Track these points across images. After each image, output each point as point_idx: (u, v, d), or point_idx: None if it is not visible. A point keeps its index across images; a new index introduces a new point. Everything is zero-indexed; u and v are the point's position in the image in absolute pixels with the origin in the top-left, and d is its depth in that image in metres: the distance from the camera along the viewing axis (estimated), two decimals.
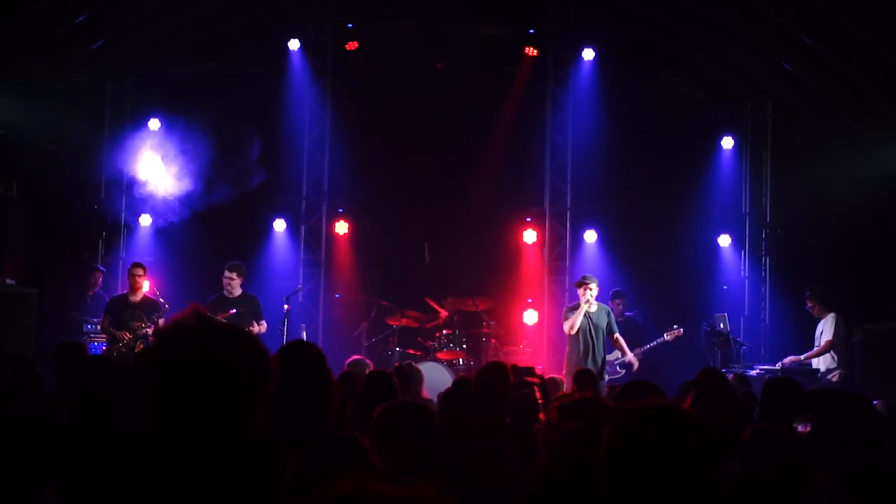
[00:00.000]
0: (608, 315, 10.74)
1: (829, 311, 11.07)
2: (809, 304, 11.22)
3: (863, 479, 3.59)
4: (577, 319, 10.45)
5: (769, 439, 3.32)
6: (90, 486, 3.52)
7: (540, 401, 6.36)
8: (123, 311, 10.60)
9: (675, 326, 11.59)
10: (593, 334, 10.52)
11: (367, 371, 7.84)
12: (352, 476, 1.37)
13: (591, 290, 10.51)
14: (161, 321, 10.46)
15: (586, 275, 10.92)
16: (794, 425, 4.77)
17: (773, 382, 5.05)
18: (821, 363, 10.96)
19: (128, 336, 10.40)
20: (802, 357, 10.95)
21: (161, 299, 10.70)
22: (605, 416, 3.91)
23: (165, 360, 2.02)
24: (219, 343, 2.04)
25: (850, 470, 3.58)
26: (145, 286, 10.99)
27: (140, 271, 10.87)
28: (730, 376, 8.91)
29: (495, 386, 5.39)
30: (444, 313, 12.39)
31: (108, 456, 3.49)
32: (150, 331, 10.37)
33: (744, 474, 3.28)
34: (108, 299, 11.44)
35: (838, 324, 10.93)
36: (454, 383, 6.31)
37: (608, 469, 2.16)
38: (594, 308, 10.59)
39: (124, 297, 10.85)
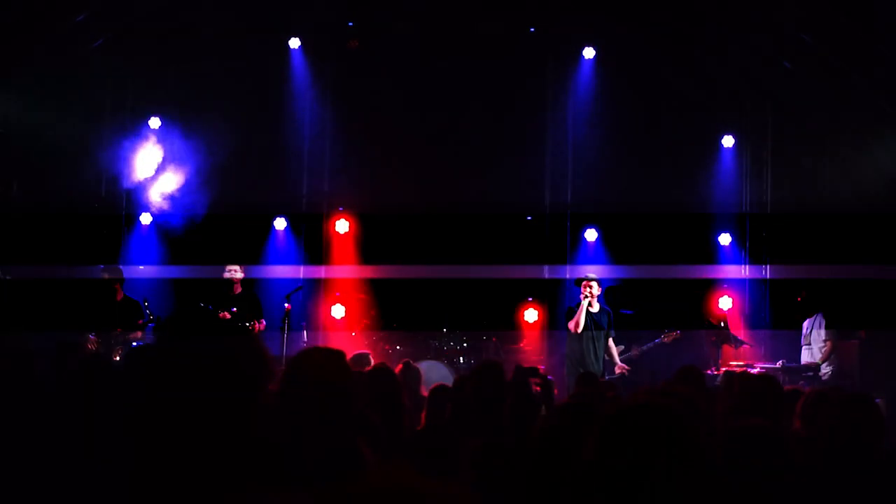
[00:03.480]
0: (609, 317, 10.72)
1: (817, 311, 11.19)
2: (803, 295, 11.31)
3: (852, 476, 3.60)
4: (581, 317, 10.44)
5: (746, 436, 3.33)
6: (86, 487, 3.51)
7: (542, 402, 6.36)
8: (105, 312, 10.50)
9: (672, 328, 11.55)
10: (594, 334, 10.49)
11: (368, 366, 7.85)
12: (386, 469, 1.37)
13: (591, 287, 10.50)
14: (140, 323, 10.41)
15: (588, 273, 10.93)
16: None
17: (755, 380, 5.05)
18: (815, 360, 11.07)
19: (93, 340, 10.01)
20: (819, 361, 11.01)
21: (147, 311, 10.55)
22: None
23: (165, 360, 2.03)
24: (218, 342, 2.04)
25: (839, 468, 3.59)
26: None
27: (117, 273, 10.78)
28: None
29: (488, 385, 5.39)
30: None
31: (103, 455, 3.49)
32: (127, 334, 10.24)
33: (721, 471, 3.30)
34: None
35: (829, 322, 11.06)
36: (454, 384, 6.30)
37: (596, 466, 2.22)
38: (596, 308, 10.56)
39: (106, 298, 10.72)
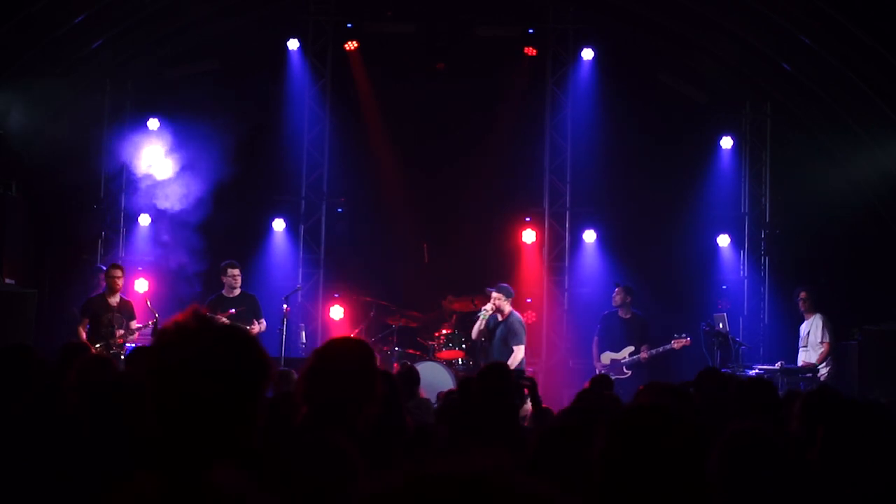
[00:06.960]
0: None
1: (816, 311, 11.22)
2: (802, 297, 11.33)
3: (860, 478, 3.60)
4: (475, 328, 11.14)
5: (749, 438, 3.34)
6: (88, 488, 3.51)
7: (531, 403, 6.39)
8: (102, 312, 10.41)
9: (682, 335, 11.47)
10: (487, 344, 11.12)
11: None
12: (486, 456, 1.28)
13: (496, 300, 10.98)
14: (135, 325, 10.46)
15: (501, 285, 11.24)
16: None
17: (752, 382, 5.05)
18: (813, 362, 11.10)
19: (95, 347, 9.73)
20: (816, 362, 11.03)
21: (153, 311, 10.57)
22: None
23: (165, 361, 2.03)
24: (218, 344, 2.05)
25: (845, 469, 3.59)
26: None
27: (119, 273, 10.76)
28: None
29: (495, 387, 5.39)
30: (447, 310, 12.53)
31: (107, 458, 3.49)
32: (127, 336, 10.29)
33: (722, 473, 3.31)
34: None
35: (827, 324, 11.09)
36: (458, 384, 6.31)
37: (603, 465, 2.24)
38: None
39: (102, 297, 10.62)
